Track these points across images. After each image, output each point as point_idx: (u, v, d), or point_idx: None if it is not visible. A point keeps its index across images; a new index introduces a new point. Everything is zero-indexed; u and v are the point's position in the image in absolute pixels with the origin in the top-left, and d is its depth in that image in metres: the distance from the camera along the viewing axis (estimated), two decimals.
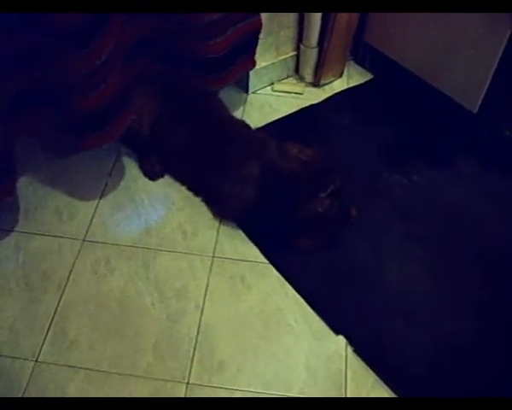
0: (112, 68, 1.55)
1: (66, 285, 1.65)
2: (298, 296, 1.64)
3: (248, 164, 1.70)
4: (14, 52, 1.49)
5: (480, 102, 1.92)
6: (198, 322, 1.58)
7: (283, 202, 1.64)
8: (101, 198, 1.87)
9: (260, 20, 1.85)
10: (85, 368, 1.49)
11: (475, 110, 1.95)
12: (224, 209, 1.81)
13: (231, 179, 1.73)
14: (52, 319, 1.58)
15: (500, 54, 1.80)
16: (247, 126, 1.92)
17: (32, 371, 1.47)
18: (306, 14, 2.09)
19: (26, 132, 1.75)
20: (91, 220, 1.81)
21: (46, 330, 1.55)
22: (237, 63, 1.90)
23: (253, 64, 2.01)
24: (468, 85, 1.94)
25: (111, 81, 1.55)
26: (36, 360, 1.50)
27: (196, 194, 1.87)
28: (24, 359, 1.50)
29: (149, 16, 1.66)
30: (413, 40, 2.08)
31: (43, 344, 1.53)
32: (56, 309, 1.60)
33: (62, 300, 1.62)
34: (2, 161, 1.62)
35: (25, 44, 1.47)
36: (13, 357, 1.50)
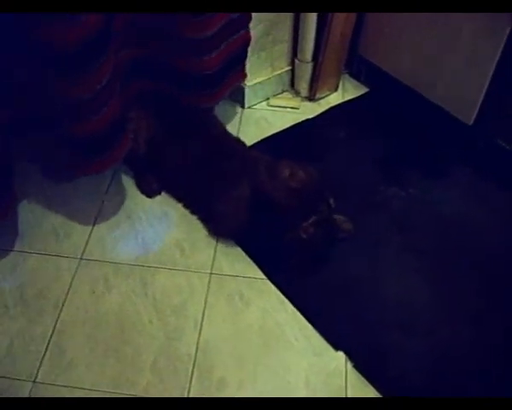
0: (113, 91, 1.55)
1: (63, 305, 1.64)
2: (297, 312, 1.63)
3: (241, 184, 1.70)
4: (14, 79, 1.50)
5: (475, 115, 1.93)
6: (197, 340, 1.57)
7: (272, 226, 1.63)
8: (98, 216, 1.87)
9: (249, 32, 1.87)
10: (83, 388, 1.47)
11: (470, 122, 1.95)
12: (218, 227, 1.81)
13: (225, 198, 1.73)
14: (50, 339, 1.57)
15: (494, 65, 1.80)
16: (242, 144, 1.92)
17: (30, 392, 1.46)
18: (301, 28, 2.10)
19: (27, 158, 1.77)
20: (88, 239, 1.81)
21: (44, 350, 1.54)
22: (230, 77, 1.91)
23: (244, 77, 2.02)
24: (463, 98, 1.94)
25: (112, 104, 1.55)
26: (34, 381, 1.48)
27: (192, 212, 1.87)
28: (22, 380, 1.49)
29: (145, 34, 1.66)
30: (407, 53, 2.09)
31: (40, 365, 1.52)
32: (54, 329, 1.59)
33: (60, 319, 1.61)
34: (1, 183, 1.62)
35: (24, 71, 1.47)
36: (10, 378, 1.49)
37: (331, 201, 1.67)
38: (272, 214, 1.62)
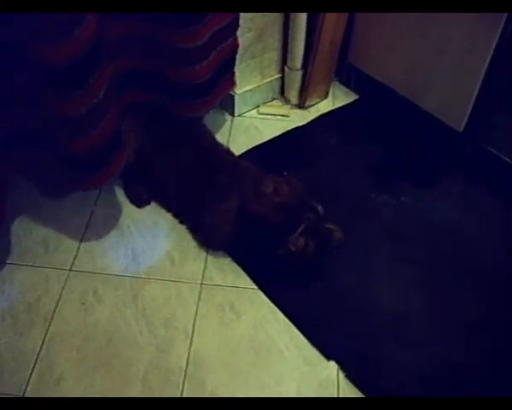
0: (109, 104, 1.54)
1: (52, 317, 1.62)
2: (288, 322, 1.62)
3: (229, 197, 1.69)
4: (8, 94, 1.48)
5: (465, 121, 1.93)
6: (187, 351, 1.56)
7: (261, 239, 1.63)
8: (87, 227, 1.85)
9: (237, 40, 1.87)
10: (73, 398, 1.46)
11: (460, 129, 1.95)
12: (207, 238, 1.81)
13: (213, 211, 1.73)
14: (39, 353, 1.55)
15: (484, 72, 1.81)
16: (231, 154, 1.91)
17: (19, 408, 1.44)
18: (290, 36, 2.10)
19: (22, 174, 1.75)
20: (78, 250, 1.79)
21: (33, 364, 1.52)
22: (220, 85, 1.90)
23: (234, 84, 2.02)
24: (453, 104, 1.95)
25: (109, 117, 1.54)
26: (22, 396, 1.46)
27: (181, 222, 1.86)
28: (10, 394, 1.46)
29: (136, 45, 1.66)
30: (397, 60, 2.09)
31: (29, 379, 1.50)
32: (43, 342, 1.57)
33: (49, 332, 1.59)
34: None
35: (19, 87, 1.46)
36: None
37: (319, 208, 1.66)
38: (260, 228, 1.61)
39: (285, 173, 1.99)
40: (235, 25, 1.82)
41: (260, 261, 1.72)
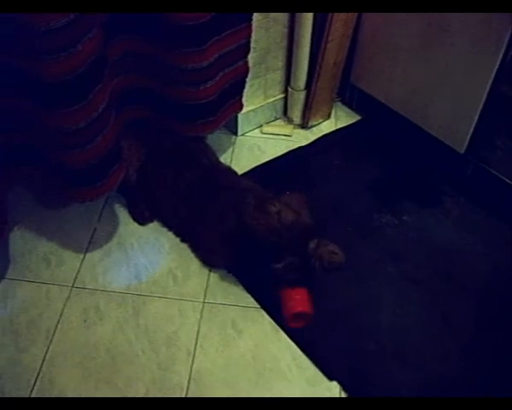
0: (108, 119, 1.55)
1: (54, 334, 1.62)
2: (290, 342, 1.62)
3: (229, 219, 1.68)
4: (6, 107, 1.49)
5: (466, 143, 1.94)
6: (189, 370, 1.55)
7: (260, 257, 1.62)
8: (90, 244, 1.85)
9: (247, 64, 1.88)
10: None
11: (462, 151, 1.96)
12: (206, 258, 1.81)
13: (212, 232, 1.73)
14: (40, 369, 1.54)
15: (486, 94, 1.82)
16: (234, 174, 1.92)
17: None
18: (294, 56, 2.12)
19: (21, 184, 1.75)
20: (80, 266, 1.79)
21: (33, 380, 1.52)
22: (225, 107, 1.91)
23: (241, 107, 2.03)
24: (455, 126, 1.96)
25: (107, 132, 1.55)
26: None
27: (182, 240, 1.87)
28: None
29: (140, 62, 1.67)
30: (398, 81, 2.11)
31: (30, 395, 1.49)
32: (44, 359, 1.57)
33: (50, 349, 1.59)
34: None
35: (17, 100, 1.47)
36: None
37: (312, 244, 1.63)
38: (255, 245, 1.60)
39: (288, 193, 2.00)
40: (245, 48, 1.83)
41: (261, 281, 1.71)
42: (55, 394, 1.49)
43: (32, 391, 1.50)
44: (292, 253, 1.58)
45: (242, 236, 1.62)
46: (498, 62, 1.73)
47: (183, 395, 1.50)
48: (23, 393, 1.49)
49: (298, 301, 1.60)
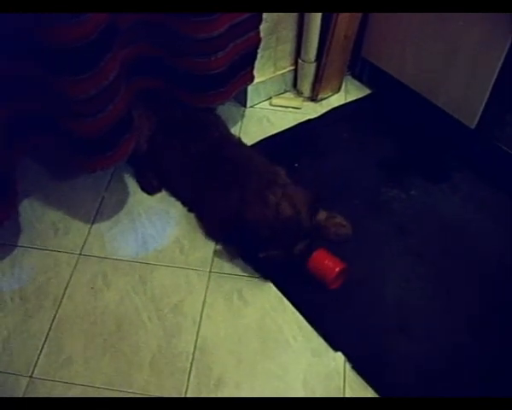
0: (119, 88, 1.55)
1: (61, 300, 1.63)
2: (296, 312, 1.62)
3: (230, 191, 1.68)
4: (18, 75, 1.49)
5: (477, 118, 1.92)
6: (195, 338, 1.57)
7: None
8: (97, 213, 1.86)
9: (259, 34, 1.86)
10: (80, 384, 1.47)
11: (473, 126, 1.95)
12: (211, 231, 1.81)
13: (217, 206, 1.73)
14: (47, 335, 1.56)
15: (498, 69, 1.80)
16: (244, 147, 1.90)
17: (27, 387, 1.45)
18: (305, 28, 2.10)
19: (30, 154, 1.75)
20: (88, 235, 1.80)
21: (41, 345, 1.54)
22: (236, 78, 1.90)
23: (252, 79, 2.02)
24: (466, 101, 1.94)
25: (118, 101, 1.55)
26: (30, 376, 1.48)
27: (189, 210, 1.87)
28: (18, 374, 1.48)
29: (151, 31, 1.66)
30: (410, 55, 2.08)
31: (37, 360, 1.51)
32: (52, 325, 1.58)
33: (58, 315, 1.60)
34: (3, 185, 1.61)
35: (28, 68, 1.46)
36: (7, 373, 1.48)
37: (321, 215, 1.67)
38: (247, 229, 1.60)
39: (296, 165, 1.99)
40: (256, 19, 1.82)
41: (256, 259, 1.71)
42: (62, 358, 1.51)
43: (39, 356, 1.51)
44: (277, 247, 1.59)
45: (238, 217, 1.61)
46: None
47: (189, 363, 1.51)
48: (31, 357, 1.51)
49: (329, 264, 1.63)
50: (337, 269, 1.62)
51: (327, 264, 1.63)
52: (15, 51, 1.45)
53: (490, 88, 1.85)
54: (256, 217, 1.58)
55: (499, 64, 1.79)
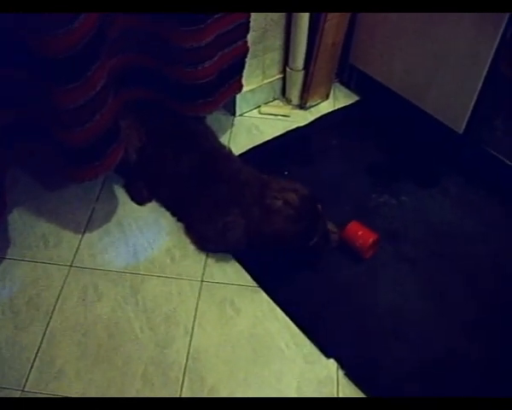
0: (106, 98, 1.55)
1: (53, 312, 1.63)
2: (288, 320, 1.63)
3: (228, 211, 1.69)
4: (5, 85, 1.49)
5: (465, 123, 1.94)
6: (187, 348, 1.56)
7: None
8: (88, 223, 1.86)
9: (247, 43, 1.87)
10: (73, 397, 1.46)
11: (461, 131, 1.96)
12: (201, 243, 1.81)
13: (209, 220, 1.74)
14: (39, 348, 1.55)
15: (484, 75, 1.82)
16: (233, 159, 1.89)
17: None
18: (292, 36, 2.11)
19: (18, 164, 1.74)
20: (79, 246, 1.79)
21: (33, 358, 1.53)
22: (225, 87, 1.90)
23: (240, 87, 2.02)
24: (454, 106, 1.95)
25: (105, 111, 1.55)
26: (22, 390, 1.47)
27: (179, 219, 1.87)
28: (10, 388, 1.47)
29: (139, 41, 1.66)
30: (398, 62, 2.10)
31: (29, 373, 1.50)
32: (43, 337, 1.57)
33: (49, 327, 1.59)
34: None
35: (17, 78, 1.46)
36: None
37: (319, 207, 1.68)
38: (282, 243, 1.65)
39: (286, 173, 2.00)
40: (244, 28, 1.82)
41: (261, 259, 1.72)
42: (54, 371, 1.50)
43: (31, 369, 1.50)
44: (315, 224, 1.65)
45: (258, 239, 1.65)
46: (497, 42, 1.73)
47: (181, 373, 1.51)
48: (22, 370, 1.50)
49: (364, 234, 1.75)
50: (371, 239, 1.73)
51: (361, 235, 1.73)
52: (2, 61, 1.45)
53: (477, 93, 1.87)
54: (275, 227, 1.61)
55: (486, 68, 1.80)
